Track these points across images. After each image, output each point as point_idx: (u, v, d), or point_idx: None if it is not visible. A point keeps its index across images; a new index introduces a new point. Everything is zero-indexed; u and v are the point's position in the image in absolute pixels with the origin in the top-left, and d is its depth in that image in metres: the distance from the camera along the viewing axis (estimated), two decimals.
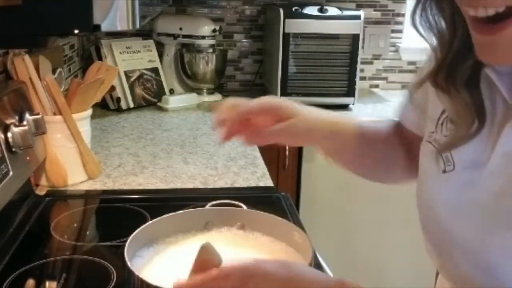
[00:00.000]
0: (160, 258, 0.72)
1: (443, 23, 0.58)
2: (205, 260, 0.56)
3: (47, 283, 0.86)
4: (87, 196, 1.20)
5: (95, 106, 1.33)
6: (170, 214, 0.77)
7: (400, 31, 2.44)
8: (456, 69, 0.58)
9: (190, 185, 1.26)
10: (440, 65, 0.59)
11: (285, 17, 1.95)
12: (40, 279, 0.87)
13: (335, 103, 2.05)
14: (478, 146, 0.58)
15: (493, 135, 0.57)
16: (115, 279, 0.83)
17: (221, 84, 2.32)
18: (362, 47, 2.06)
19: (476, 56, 0.52)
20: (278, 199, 1.18)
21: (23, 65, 1.15)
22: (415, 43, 2.36)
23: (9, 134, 0.98)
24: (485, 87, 0.57)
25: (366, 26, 2.32)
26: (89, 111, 1.25)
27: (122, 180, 1.27)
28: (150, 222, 0.75)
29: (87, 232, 1.09)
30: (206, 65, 2.16)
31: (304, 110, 0.81)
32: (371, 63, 2.46)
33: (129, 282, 0.63)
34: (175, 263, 0.71)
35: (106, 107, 1.97)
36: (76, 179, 1.23)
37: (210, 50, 2.20)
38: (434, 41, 0.60)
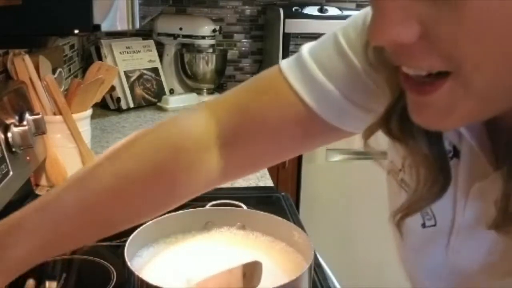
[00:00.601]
0: (160, 258, 0.72)
1: (387, 66, 0.47)
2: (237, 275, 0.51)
3: (47, 283, 0.86)
4: None
5: (95, 106, 1.33)
6: (170, 214, 0.77)
7: None
8: (391, 113, 0.48)
9: None
10: (393, 107, 0.48)
11: (285, 17, 1.95)
12: (40, 279, 0.86)
13: None
14: (457, 198, 0.49)
15: (461, 191, 0.48)
16: (115, 279, 0.83)
17: (221, 84, 2.32)
18: None
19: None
20: (278, 199, 1.18)
21: (23, 65, 1.15)
22: None
23: (9, 134, 0.98)
24: (451, 135, 0.48)
25: None
26: (89, 111, 1.25)
27: None
28: (150, 222, 0.75)
29: None
30: (206, 65, 2.16)
31: None
32: None
33: (129, 282, 0.63)
34: (175, 263, 0.71)
35: (106, 107, 1.97)
36: None
37: (210, 50, 2.20)
38: (386, 78, 0.49)
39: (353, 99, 0.57)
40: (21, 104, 1.08)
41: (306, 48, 0.62)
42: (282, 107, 0.60)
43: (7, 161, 0.96)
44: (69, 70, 1.90)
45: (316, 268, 0.88)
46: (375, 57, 0.50)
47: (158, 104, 2.05)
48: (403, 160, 0.53)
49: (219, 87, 2.29)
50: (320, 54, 0.59)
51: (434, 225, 0.51)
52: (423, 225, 0.52)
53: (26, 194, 1.12)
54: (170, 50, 2.21)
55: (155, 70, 2.12)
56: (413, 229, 0.53)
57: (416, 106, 0.41)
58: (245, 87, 0.65)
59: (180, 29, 2.15)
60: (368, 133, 0.54)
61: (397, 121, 0.48)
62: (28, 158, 1.06)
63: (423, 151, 0.47)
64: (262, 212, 0.79)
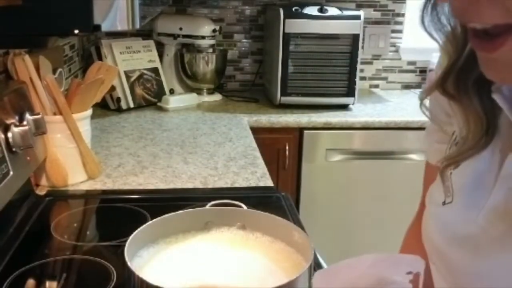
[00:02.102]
0: (160, 258, 0.72)
1: (455, 24, 0.52)
2: None
3: (47, 283, 0.87)
4: (87, 196, 1.20)
5: (95, 106, 1.33)
6: (170, 214, 0.77)
7: (400, 31, 2.44)
8: (467, 74, 0.53)
9: (190, 185, 1.26)
10: (450, 70, 0.54)
11: (285, 17, 1.95)
12: (40, 279, 0.87)
13: (335, 103, 2.05)
14: (479, 177, 0.54)
15: (495, 166, 0.53)
16: (115, 279, 0.83)
17: (221, 84, 2.32)
18: (362, 47, 2.07)
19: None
20: (278, 199, 1.18)
21: (24, 65, 1.16)
22: (415, 43, 2.37)
23: (10, 134, 0.98)
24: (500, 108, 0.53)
25: (366, 26, 2.32)
26: (89, 111, 1.25)
27: (122, 180, 1.27)
28: (150, 222, 0.75)
29: (87, 232, 1.09)
30: (206, 65, 2.16)
31: None
32: (371, 63, 2.46)
33: (129, 282, 0.63)
34: (176, 263, 0.71)
35: (106, 107, 1.97)
36: (76, 179, 1.23)
37: (210, 50, 2.20)
38: (444, 43, 0.54)
39: None
40: (21, 104, 1.08)
41: None
42: None
43: (7, 161, 0.96)
44: (69, 70, 1.90)
45: (316, 268, 0.89)
46: (436, 23, 0.55)
47: (158, 104, 2.05)
48: (448, 146, 0.60)
49: (219, 87, 2.29)
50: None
51: (450, 202, 0.57)
52: (444, 202, 0.58)
53: (26, 194, 1.12)
54: (170, 50, 2.22)
55: (155, 70, 2.13)
56: (435, 207, 0.59)
57: (485, 62, 0.47)
58: None
59: (180, 29, 2.15)
60: (424, 95, 0.60)
61: (453, 82, 0.54)
62: (28, 158, 1.07)
63: (476, 107, 0.53)
64: (262, 212, 0.79)
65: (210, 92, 2.22)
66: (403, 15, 2.42)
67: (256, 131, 1.79)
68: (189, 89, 2.22)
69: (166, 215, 0.77)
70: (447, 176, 0.58)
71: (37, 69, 1.18)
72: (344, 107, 2.06)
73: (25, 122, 1.03)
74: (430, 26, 0.55)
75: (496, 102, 0.52)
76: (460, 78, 0.53)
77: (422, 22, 0.56)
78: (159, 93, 2.10)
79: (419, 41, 0.62)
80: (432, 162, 0.72)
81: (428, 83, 0.61)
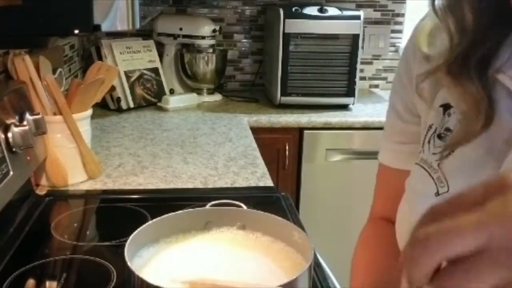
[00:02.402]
0: (160, 258, 0.72)
1: (464, 4, 0.54)
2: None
3: (47, 283, 0.87)
4: (88, 196, 1.20)
5: (95, 106, 1.33)
6: (170, 214, 0.77)
7: (400, 31, 2.44)
8: (471, 56, 0.54)
9: (190, 185, 1.26)
10: (458, 50, 0.55)
11: (285, 17, 1.95)
12: (40, 279, 0.87)
13: (335, 103, 2.05)
14: (475, 165, 0.55)
15: (495, 154, 0.53)
16: (115, 279, 0.83)
17: (221, 84, 2.32)
18: (362, 47, 2.07)
19: None
20: (278, 199, 1.18)
21: (24, 65, 1.16)
22: None
23: (10, 134, 0.99)
24: (497, 92, 0.54)
25: (366, 26, 2.32)
26: (89, 111, 1.25)
27: (122, 180, 1.27)
28: (150, 222, 0.75)
29: (88, 232, 1.09)
30: (206, 65, 2.17)
31: None
32: (371, 63, 2.46)
33: (129, 282, 0.63)
34: (176, 263, 0.71)
35: (106, 107, 1.97)
36: (76, 179, 1.23)
37: (210, 50, 2.20)
38: (451, 25, 0.55)
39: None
40: (22, 104, 1.08)
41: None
42: None
43: (7, 161, 0.97)
44: (69, 70, 1.90)
45: (316, 268, 0.89)
46: (445, 7, 0.56)
47: (158, 104, 2.05)
48: (424, 138, 0.60)
49: (219, 87, 2.29)
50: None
51: (447, 191, 0.57)
52: (437, 193, 0.57)
53: (26, 194, 1.12)
54: (170, 50, 2.22)
55: (155, 70, 2.13)
56: (425, 200, 0.57)
57: None
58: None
59: (180, 29, 2.15)
60: (423, 77, 0.60)
61: (459, 62, 0.54)
62: (28, 158, 1.07)
63: (477, 88, 0.53)
64: (262, 212, 0.79)
65: (210, 92, 2.22)
66: (403, 15, 2.42)
67: (256, 131, 1.79)
68: (189, 89, 2.22)
69: (166, 215, 0.77)
70: (435, 168, 0.59)
71: (37, 69, 1.18)
72: (344, 107, 2.06)
73: (25, 122, 1.03)
74: (439, 8, 0.56)
75: (495, 86, 0.53)
76: (464, 59, 0.54)
77: (432, 3, 0.57)
78: (159, 93, 2.10)
79: None
80: (391, 164, 0.74)
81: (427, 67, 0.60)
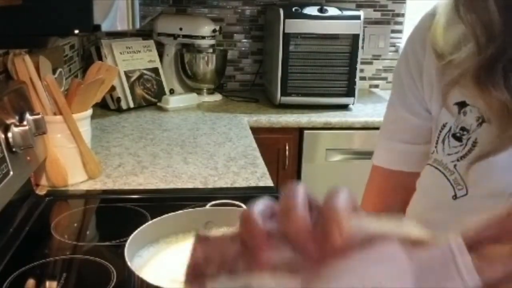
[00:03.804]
0: (160, 258, 0.72)
1: (493, 11, 0.51)
2: None
3: (47, 283, 0.87)
4: (88, 196, 1.20)
5: (95, 106, 1.33)
6: (170, 214, 0.77)
7: (400, 31, 2.44)
8: (496, 63, 0.52)
9: (190, 185, 1.26)
10: (488, 56, 0.52)
11: (285, 17, 1.95)
12: (40, 279, 0.87)
13: (335, 103, 2.05)
14: (498, 170, 0.53)
15: None
16: (115, 279, 0.83)
17: (221, 84, 2.32)
18: (362, 47, 2.07)
19: None
20: (278, 199, 1.18)
21: (24, 65, 1.16)
22: None
23: (10, 134, 0.99)
24: None
25: (366, 26, 2.32)
26: (89, 111, 1.25)
27: (122, 180, 1.27)
28: (150, 222, 0.75)
29: (88, 232, 1.09)
30: (206, 65, 2.17)
31: None
32: (371, 63, 2.46)
33: (129, 282, 0.63)
34: (176, 263, 0.71)
35: (106, 107, 1.97)
36: (76, 179, 1.23)
37: (210, 50, 2.20)
38: (478, 29, 0.53)
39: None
40: (22, 104, 1.08)
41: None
42: None
43: (8, 161, 0.97)
44: (69, 70, 1.90)
45: None
46: (470, 7, 0.54)
47: (158, 104, 2.05)
48: (437, 138, 0.58)
49: (219, 87, 2.29)
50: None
51: (465, 195, 0.54)
52: (454, 196, 0.55)
53: (26, 194, 1.12)
54: (170, 50, 2.22)
55: (155, 70, 2.13)
56: (441, 203, 0.57)
57: None
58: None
59: (180, 29, 2.15)
60: (449, 87, 0.57)
61: (485, 69, 0.52)
62: (28, 158, 1.07)
63: (504, 95, 0.51)
64: None
65: (210, 92, 2.22)
66: (403, 15, 2.42)
67: (256, 131, 1.79)
68: (189, 89, 2.22)
69: (166, 215, 0.77)
70: (451, 169, 0.56)
71: (37, 69, 1.18)
72: (344, 107, 2.06)
73: (25, 122, 1.03)
74: (465, 15, 0.54)
75: None
76: (490, 66, 0.52)
77: (457, 10, 0.55)
78: (159, 93, 2.10)
79: None
80: (386, 165, 0.68)
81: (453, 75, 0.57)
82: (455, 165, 0.56)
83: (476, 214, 0.54)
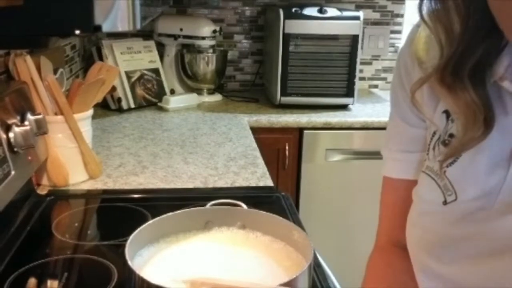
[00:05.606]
0: (160, 258, 0.72)
1: (453, 14, 0.54)
2: None
3: (48, 282, 0.87)
4: (88, 195, 1.21)
5: (96, 106, 1.33)
6: (170, 213, 0.77)
7: (399, 32, 2.44)
8: (463, 65, 0.53)
9: (190, 185, 1.27)
10: (448, 60, 0.54)
11: (285, 18, 1.95)
12: (41, 278, 0.87)
13: (335, 103, 2.05)
14: (483, 173, 0.54)
15: (504, 162, 0.53)
16: (116, 278, 0.84)
17: (221, 85, 2.33)
18: (362, 48, 2.07)
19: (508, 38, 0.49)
20: (278, 199, 1.18)
21: (25, 65, 1.16)
22: None
23: (11, 134, 0.99)
24: (497, 104, 0.54)
25: (365, 26, 2.33)
26: (90, 111, 1.26)
27: (123, 180, 1.28)
28: (151, 221, 0.75)
29: (88, 232, 1.09)
30: (206, 65, 2.17)
31: None
32: (370, 63, 2.46)
33: (130, 281, 0.64)
34: (176, 262, 0.72)
35: (107, 107, 1.97)
36: (77, 178, 1.24)
37: (210, 50, 2.20)
38: (441, 34, 0.55)
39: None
40: (23, 104, 1.08)
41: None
42: None
43: (9, 161, 0.97)
44: (70, 70, 1.90)
45: (316, 268, 0.89)
46: (434, 16, 0.56)
47: (159, 104, 2.06)
48: (428, 145, 0.60)
49: (219, 88, 2.30)
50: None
51: (455, 200, 0.56)
52: (444, 202, 0.57)
53: (27, 194, 1.12)
54: (171, 51, 2.22)
55: (155, 71, 2.13)
56: (433, 208, 0.58)
57: None
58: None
59: (181, 29, 2.16)
60: (417, 86, 0.59)
61: (450, 70, 0.54)
62: (29, 158, 1.07)
63: (471, 96, 0.53)
64: (262, 212, 0.80)
65: (211, 92, 2.22)
66: (402, 15, 2.43)
67: (256, 131, 1.80)
68: (189, 90, 2.22)
69: (166, 215, 0.77)
70: (441, 175, 0.58)
71: (38, 69, 1.19)
72: (344, 107, 2.06)
73: (26, 122, 1.04)
74: (428, 17, 0.56)
75: (501, 94, 0.53)
76: (456, 68, 0.54)
77: (420, 12, 0.56)
78: (160, 93, 2.11)
79: None
80: (394, 175, 0.71)
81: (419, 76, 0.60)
82: (444, 171, 0.58)
83: (465, 217, 0.55)
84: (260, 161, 1.44)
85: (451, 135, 0.58)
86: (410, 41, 0.64)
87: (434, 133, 0.60)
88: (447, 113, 0.59)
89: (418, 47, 0.61)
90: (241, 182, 1.28)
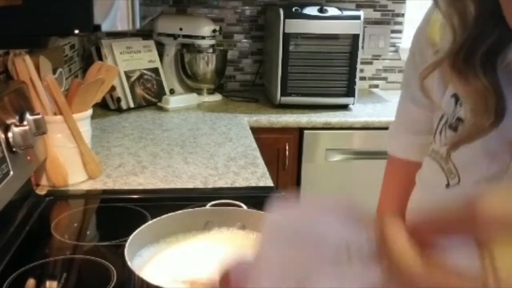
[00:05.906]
0: (160, 258, 0.72)
1: (468, 4, 0.53)
2: None
3: (47, 283, 0.87)
4: (88, 196, 1.20)
5: (96, 106, 1.33)
6: (170, 214, 0.77)
7: (400, 31, 2.44)
8: (475, 50, 0.53)
9: (190, 185, 1.26)
10: (461, 45, 0.53)
11: (285, 17, 1.95)
12: (40, 279, 0.87)
13: (335, 103, 2.05)
14: (487, 158, 0.54)
15: (508, 147, 0.52)
16: (115, 279, 0.83)
17: (221, 84, 2.32)
18: (362, 47, 2.07)
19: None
20: (278, 198, 1.18)
21: (24, 65, 1.16)
22: None
23: (10, 134, 0.99)
24: (507, 90, 0.53)
25: (366, 26, 2.32)
26: (90, 111, 1.25)
27: (122, 180, 1.27)
28: (151, 221, 0.75)
29: (88, 232, 1.09)
30: (206, 65, 2.17)
31: None
32: (371, 63, 2.46)
33: (129, 281, 0.63)
34: (176, 262, 0.71)
35: (106, 107, 1.97)
36: (76, 179, 1.23)
37: (210, 50, 2.20)
38: (454, 18, 0.54)
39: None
40: (22, 104, 1.08)
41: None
42: None
43: (8, 161, 0.97)
44: (70, 70, 1.90)
45: None
46: (445, 5, 0.55)
47: (159, 104, 2.06)
48: (436, 129, 0.60)
49: (219, 87, 2.29)
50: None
51: (458, 183, 0.56)
52: (447, 185, 0.57)
53: (26, 194, 1.12)
54: (170, 50, 2.22)
55: (155, 70, 2.13)
56: (436, 191, 0.58)
57: None
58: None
59: (180, 29, 2.15)
60: (427, 71, 0.58)
61: (463, 56, 0.53)
62: (28, 158, 1.07)
63: (483, 83, 0.52)
64: (262, 212, 0.80)
65: (210, 92, 2.22)
66: (402, 15, 2.42)
67: (256, 131, 1.80)
68: (189, 89, 2.22)
69: (166, 215, 0.77)
70: (446, 158, 0.58)
71: (37, 69, 1.18)
72: (344, 107, 2.06)
73: (25, 122, 1.04)
74: (442, 1, 0.55)
75: (510, 80, 0.52)
76: (468, 53, 0.53)
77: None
78: (159, 93, 2.10)
79: None
80: (404, 155, 0.71)
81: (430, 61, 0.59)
82: (449, 154, 0.58)
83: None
84: (260, 161, 1.44)
85: (458, 119, 0.58)
86: (426, 21, 0.64)
87: (442, 116, 0.60)
88: (455, 96, 0.59)
89: (434, 30, 0.61)
90: (241, 182, 1.28)
